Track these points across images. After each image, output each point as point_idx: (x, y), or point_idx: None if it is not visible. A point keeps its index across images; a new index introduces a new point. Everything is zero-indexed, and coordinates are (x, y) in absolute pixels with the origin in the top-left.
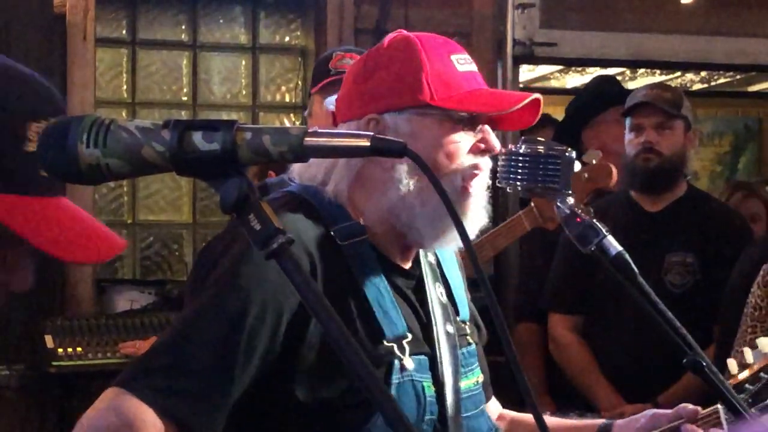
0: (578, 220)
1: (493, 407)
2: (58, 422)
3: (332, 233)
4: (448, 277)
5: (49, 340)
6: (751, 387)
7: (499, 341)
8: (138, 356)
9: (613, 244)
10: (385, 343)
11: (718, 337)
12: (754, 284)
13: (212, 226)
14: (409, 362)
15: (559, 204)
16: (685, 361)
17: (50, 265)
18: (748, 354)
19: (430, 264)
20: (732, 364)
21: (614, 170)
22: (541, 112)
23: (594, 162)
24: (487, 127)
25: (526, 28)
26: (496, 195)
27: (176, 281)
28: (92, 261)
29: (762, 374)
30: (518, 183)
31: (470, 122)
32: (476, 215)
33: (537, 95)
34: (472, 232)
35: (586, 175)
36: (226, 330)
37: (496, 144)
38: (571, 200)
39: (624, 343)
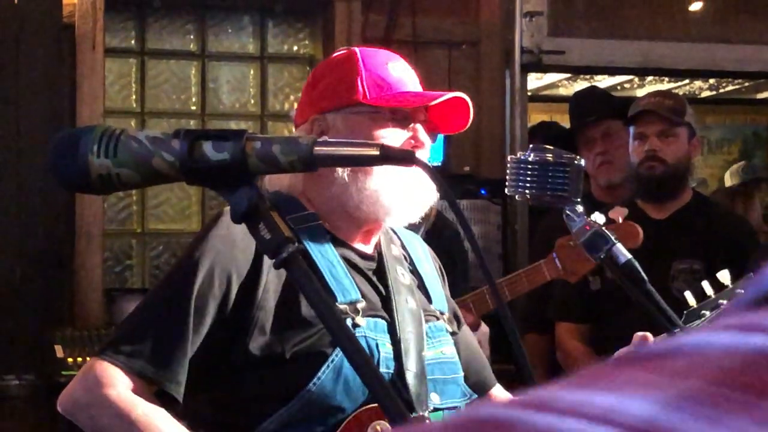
0: (587, 228)
1: (500, 393)
2: None
3: (286, 221)
4: (420, 272)
5: (58, 350)
6: (708, 313)
7: (509, 349)
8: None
9: (623, 252)
10: (338, 305)
11: None
12: None
13: None
14: (361, 321)
15: (568, 212)
16: None
17: (60, 275)
18: (706, 285)
19: (395, 256)
20: (689, 295)
21: (640, 231)
22: (471, 112)
23: (620, 220)
24: (417, 125)
25: (534, 36)
26: (504, 205)
27: None
28: None
29: (720, 301)
30: (527, 191)
31: (402, 120)
32: (416, 195)
33: (459, 94)
34: (416, 211)
35: (614, 236)
36: (178, 295)
37: (425, 140)
38: (580, 208)
39: None
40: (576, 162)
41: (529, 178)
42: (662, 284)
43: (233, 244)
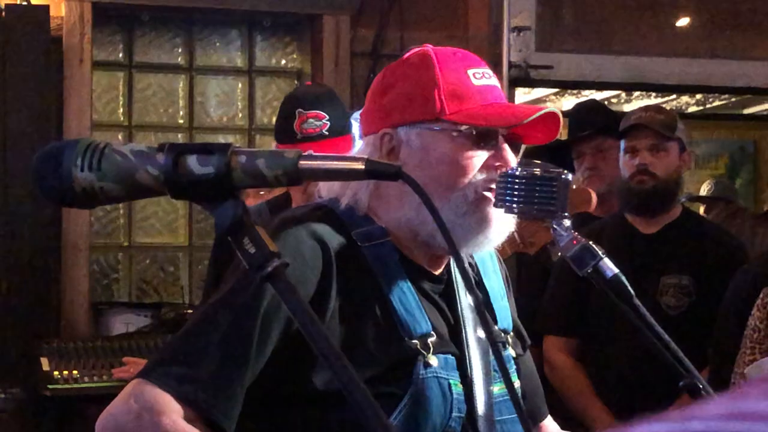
0: (575, 242)
1: (552, 427)
2: None
3: (353, 236)
4: (486, 286)
5: (44, 363)
6: None
7: None
8: (159, 348)
9: (610, 267)
10: (408, 340)
11: (711, 360)
12: (754, 306)
13: (208, 248)
14: (433, 359)
15: (555, 226)
16: (681, 383)
17: (46, 287)
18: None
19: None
20: None
21: (593, 195)
22: (561, 124)
23: (573, 187)
24: (503, 144)
25: (522, 51)
26: None
27: (172, 304)
28: None
29: None
30: (514, 205)
31: (484, 137)
32: (500, 221)
33: (552, 109)
34: (498, 239)
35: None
36: (240, 316)
37: (511, 159)
38: (567, 222)
39: (620, 366)
40: (563, 176)
41: (516, 193)
42: (651, 298)
43: (303, 261)
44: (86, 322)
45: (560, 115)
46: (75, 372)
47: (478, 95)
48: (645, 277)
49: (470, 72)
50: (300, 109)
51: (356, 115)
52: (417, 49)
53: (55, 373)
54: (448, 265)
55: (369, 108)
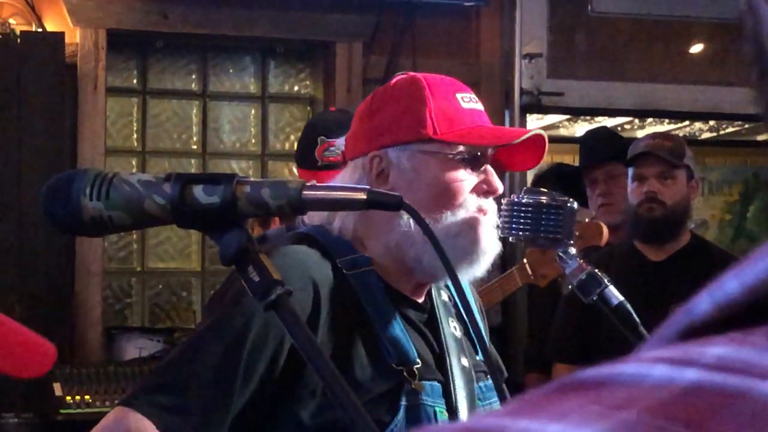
0: (580, 270)
1: None
2: None
3: (338, 264)
4: (466, 317)
5: (57, 388)
6: None
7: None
8: (143, 376)
9: (615, 294)
10: (394, 367)
11: None
12: None
13: (221, 273)
14: (419, 386)
15: (561, 254)
16: None
17: (60, 312)
18: None
19: (444, 302)
20: None
21: (605, 229)
22: (546, 149)
23: (586, 220)
24: (489, 168)
25: (534, 78)
26: (504, 246)
27: (185, 329)
28: (38, 375)
29: None
30: (520, 233)
31: (473, 162)
32: (489, 245)
33: (539, 131)
34: (487, 263)
35: (577, 233)
36: (227, 348)
37: (498, 185)
38: (573, 250)
39: None
40: (569, 204)
41: (522, 220)
42: (660, 325)
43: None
44: (99, 346)
45: (546, 139)
46: (87, 397)
47: (467, 117)
48: (654, 305)
49: (458, 96)
50: (322, 137)
51: (340, 141)
52: (403, 75)
53: (68, 397)
54: (430, 294)
55: (356, 131)
